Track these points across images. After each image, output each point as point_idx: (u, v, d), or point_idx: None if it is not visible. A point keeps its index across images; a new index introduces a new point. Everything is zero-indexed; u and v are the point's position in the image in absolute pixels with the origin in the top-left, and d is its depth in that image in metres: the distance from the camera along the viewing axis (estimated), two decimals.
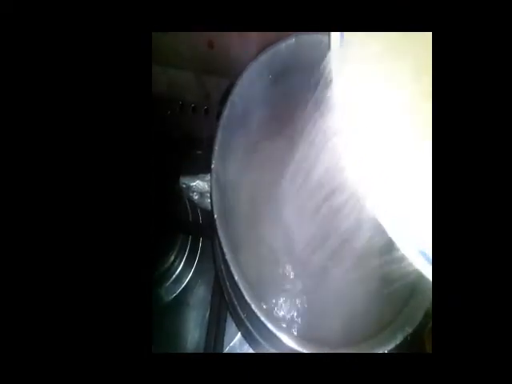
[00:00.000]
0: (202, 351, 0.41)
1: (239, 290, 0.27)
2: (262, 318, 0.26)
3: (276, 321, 0.27)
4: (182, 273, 0.45)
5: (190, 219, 0.47)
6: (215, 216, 0.28)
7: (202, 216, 0.47)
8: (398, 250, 0.24)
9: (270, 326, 0.26)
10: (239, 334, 0.42)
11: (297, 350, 0.26)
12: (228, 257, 0.27)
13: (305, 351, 0.26)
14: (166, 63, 0.56)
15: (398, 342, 0.28)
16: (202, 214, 0.47)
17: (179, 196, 0.48)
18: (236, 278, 0.27)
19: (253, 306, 0.26)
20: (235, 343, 0.42)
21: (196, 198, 0.31)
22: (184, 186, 0.30)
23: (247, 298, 0.27)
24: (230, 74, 0.54)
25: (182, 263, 0.45)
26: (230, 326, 0.42)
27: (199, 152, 0.51)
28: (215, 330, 0.41)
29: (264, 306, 0.28)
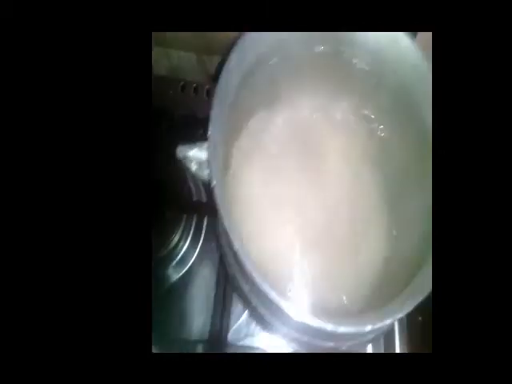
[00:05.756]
0: (207, 331, 0.40)
1: (239, 260, 0.26)
2: (263, 287, 0.25)
3: (280, 292, 0.26)
4: (187, 253, 0.44)
5: (194, 199, 0.46)
6: (213, 183, 0.27)
7: (206, 195, 0.46)
8: None
9: (272, 294, 0.25)
10: (245, 314, 0.41)
11: (301, 321, 0.25)
12: (227, 224, 0.26)
13: (309, 322, 0.25)
14: (167, 44, 0.55)
15: (408, 310, 0.27)
16: (206, 192, 0.46)
17: (183, 176, 0.47)
18: (236, 247, 0.26)
19: (254, 275, 0.25)
20: (242, 322, 0.41)
21: (194, 168, 0.30)
22: (181, 155, 0.29)
23: (248, 266, 0.26)
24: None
25: (187, 244, 0.45)
26: (236, 305, 0.41)
27: (201, 132, 0.50)
28: (221, 310, 0.40)
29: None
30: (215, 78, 0.34)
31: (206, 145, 0.29)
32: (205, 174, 0.31)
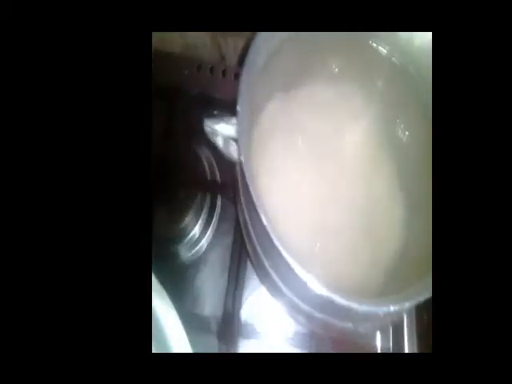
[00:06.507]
0: (221, 309, 0.41)
1: (266, 234, 0.26)
2: (290, 262, 0.26)
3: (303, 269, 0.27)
4: (201, 232, 0.45)
5: (208, 178, 0.46)
6: (242, 158, 0.27)
7: (220, 175, 0.46)
8: None
9: (300, 270, 0.26)
10: (259, 293, 0.42)
11: (327, 297, 0.26)
12: (255, 198, 0.26)
13: (335, 298, 0.26)
14: None
15: (426, 296, 0.27)
16: (220, 172, 0.46)
17: (197, 155, 0.47)
18: (264, 221, 0.26)
19: (281, 249, 0.26)
20: (255, 301, 0.42)
21: (220, 142, 0.30)
22: (209, 129, 0.30)
23: (275, 241, 0.26)
24: (246, 34, 0.53)
25: (201, 222, 0.45)
26: (249, 284, 0.42)
27: (216, 112, 0.50)
28: (234, 289, 0.41)
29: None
30: (242, 56, 0.34)
31: (233, 120, 0.29)
32: (230, 149, 0.31)
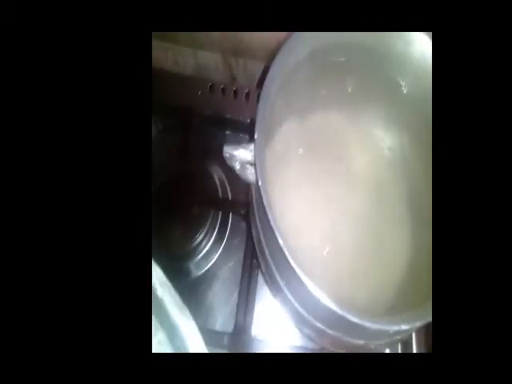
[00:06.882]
0: (232, 324, 0.42)
1: (283, 254, 0.28)
2: (305, 281, 0.27)
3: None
4: (212, 248, 0.46)
5: (220, 196, 0.48)
6: (259, 183, 0.29)
7: (231, 193, 0.48)
8: None
9: (317, 290, 0.27)
10: (270, 309, 0.43)
11: (342, 315, 0.27)
12: (272, 223, 0.28)
13: (345, 313, 0.27)
14: (194, 45, 0.57)
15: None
16: (232, 190, 0.48)
17: (210, 175, 0.49)
18: (281, 243, 0.28)
19: (296, 268, 0.27)
20: (266, 317, 0.43)
21: (238, 167, 0.32)
22: (227, 155, 0.31)
23: (291, 262, 0.27)
24: (256, 55, 0.55)
25: (213, 239, 0.46)
26: (260, 300, 0.43)
27: (228, 132, 0.52)
28: (245, 304, 0.42)
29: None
30: (259, 83, 0.35)
31: (251, 146, 0.31)
32: (247, 173, 0.33)
